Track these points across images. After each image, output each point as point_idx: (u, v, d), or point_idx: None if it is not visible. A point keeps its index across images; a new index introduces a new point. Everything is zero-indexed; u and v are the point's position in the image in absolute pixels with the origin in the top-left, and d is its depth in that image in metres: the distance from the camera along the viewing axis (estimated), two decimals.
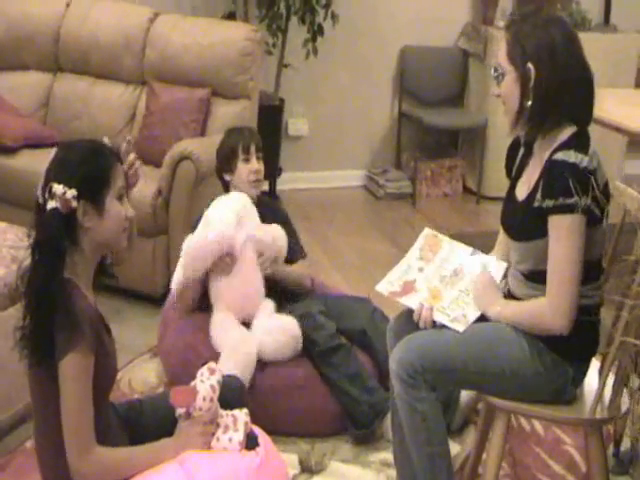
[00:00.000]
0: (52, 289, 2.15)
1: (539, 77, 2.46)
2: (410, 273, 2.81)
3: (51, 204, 2.18)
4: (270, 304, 3.51)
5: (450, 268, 2.80)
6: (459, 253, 2.84)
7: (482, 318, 2.65)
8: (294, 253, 3.66)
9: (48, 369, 2.15)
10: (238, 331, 3.36)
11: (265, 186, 5.83)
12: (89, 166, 2.22)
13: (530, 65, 2.46)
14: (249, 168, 3.54)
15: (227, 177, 3.58)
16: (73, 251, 2.23)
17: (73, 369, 2.12)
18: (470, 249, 2.85)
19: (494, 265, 2.76)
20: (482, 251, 2.84)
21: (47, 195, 2.18)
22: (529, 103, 2.49)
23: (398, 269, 2.84)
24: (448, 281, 2.77)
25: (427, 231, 2.94)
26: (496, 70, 2.56)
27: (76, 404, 2.14)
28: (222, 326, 3.37)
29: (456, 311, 2.66)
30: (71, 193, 2.17)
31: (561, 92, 2.47)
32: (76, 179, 2.19)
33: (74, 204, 2.18)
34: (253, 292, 3.46)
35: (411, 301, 2.73)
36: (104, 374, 2.24)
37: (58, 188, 2.17)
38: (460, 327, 2.61)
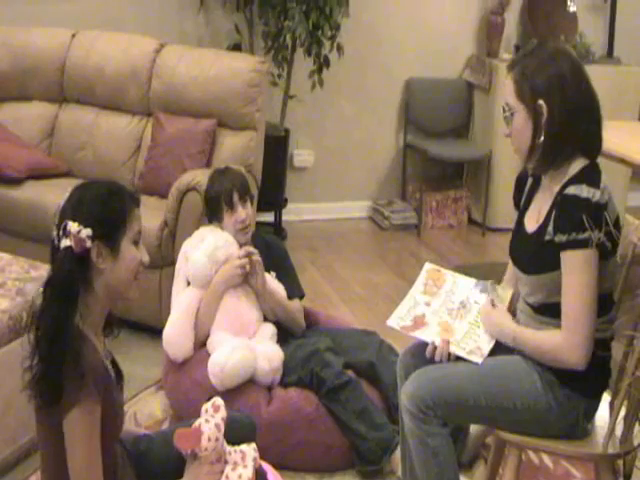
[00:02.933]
0: (64, 333, 2.09)
1: (551, 112, 2.45)
2: (417, 308, 2.81)
3: (65, 242, 2.13)
4: (269, 328, 3.51)
5: (457, 301, 2.80)
6: (463, 285, 2.84)
7: (494, 351, 2.64)
8: (290, 291, 3.64)
9: (56, 414, 2.09)
10: (237, 339, 3.37)
11: (270, 217, 5.87)
12: (106, 207, 2.17)
13: (541, 101, 2.45)
14: (235, 218, 3.51)
15: (216, 225, 3.56)
16: (85, 294, 2.17)
17: (79, 425, 2.07)
18: (473, 280, 2.85)
19: (500, 292, 2.76)
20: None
21: (61, 233, 2.13)
22: (541, 139, 2.47)
23: (406, 303, 2.84)
24: (456, 314, 2.76)
25: (428, 266, 2.93)
26: (504, 110, 2.54)
27: (84, 462, 2.09)
28: (220, 340, 3.38)
29: (470, 345, 2.65)
30: (86, 232, 2.12)
31: (572, 124, 2.45)
32: (92, 218, 2.14)
33: (88, 244, 2.13)
34: (245, 312, 3.47)
35: (424, 335, 2.72)
36: (111, 425, 2.18)
37: (73, 226, 2.12)
38: (478, 359, 2.61)
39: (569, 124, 2.45)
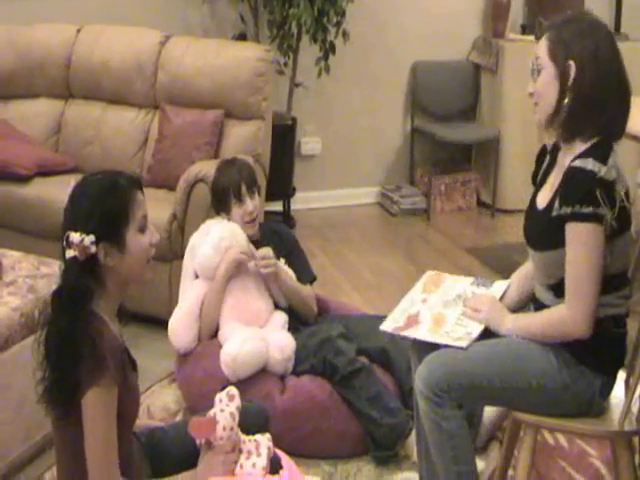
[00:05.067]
0: (72, 340, 2.09)
1: (581, 74, 2.43)
2: (413, 307, 2.81)
3: (69, 253, 2.12)
4: (280, 317, 3.51)
5: (453, 294, 2.81)
6: (462, 282, 2.87)
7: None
8: (302, 277, 3.64)
9: (74, 416, 2.10)
10: (249, 329, 3.38)
11: (279, 207, 5.86)
12: (104, 207, 2.15)
13: (571, 62, 2.43)
14: (243, 209, 3.51)
15: (223, 217, 3.56)
16: (98, 288, 2.17)
17: (97, 403, 2.07)
18: (472, 278, 2.88)
19: (496, 286, 2.79)
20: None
21: (65, 244, 2.13)
22: (566, 101, 2.45)
23: (402, 304, 2.85)
24: (452, 304, 2.77)
25: (429, 272, 2.96)
26: (533, 64, 2.52)
27: (101, 441, 2.09)
28: (231, 330, 3.39)
29: (460, 332, 2.65)
30: (89, 239, 2.11)
31: (602, 92, 2.44)
32: (92, 224, 2.12)
33: (93, 249, 2.12)
34: (255, 302, 3.48)
35: (416, 333, 2.72)
36: (127, 409, 2.19)
37: (75, 236, 2.11)
38: (463, 343, 2.59)
39: (598, 91, 2.43)
